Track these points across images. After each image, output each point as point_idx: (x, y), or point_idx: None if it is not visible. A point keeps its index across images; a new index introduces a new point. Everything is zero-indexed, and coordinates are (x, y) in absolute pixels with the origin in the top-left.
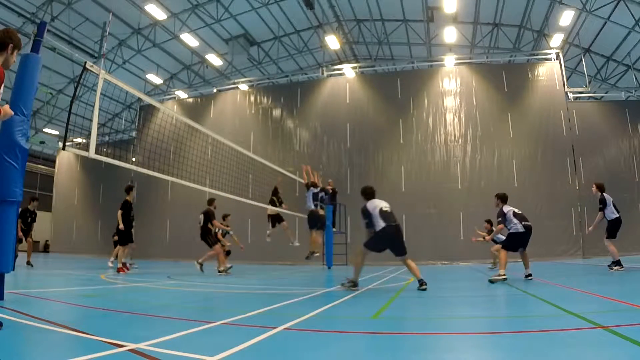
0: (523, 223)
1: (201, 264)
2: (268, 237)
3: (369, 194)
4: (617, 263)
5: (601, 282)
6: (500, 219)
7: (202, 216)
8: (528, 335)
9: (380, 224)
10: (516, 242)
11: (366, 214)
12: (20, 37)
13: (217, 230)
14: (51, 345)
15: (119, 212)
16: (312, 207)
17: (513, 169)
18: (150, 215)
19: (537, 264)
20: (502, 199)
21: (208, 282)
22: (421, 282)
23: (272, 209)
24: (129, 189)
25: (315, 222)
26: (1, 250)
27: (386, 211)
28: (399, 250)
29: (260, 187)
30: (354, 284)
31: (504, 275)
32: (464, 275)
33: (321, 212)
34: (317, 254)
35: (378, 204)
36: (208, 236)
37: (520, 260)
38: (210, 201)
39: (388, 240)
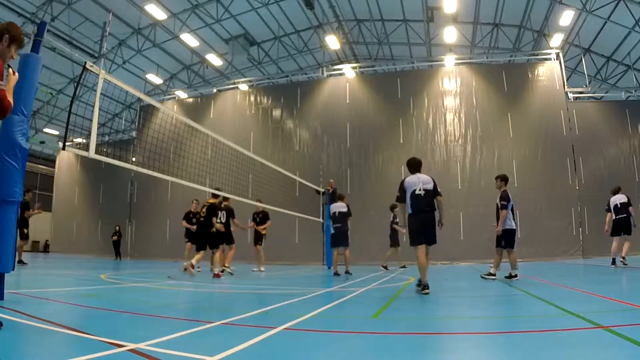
0: (515, 220)
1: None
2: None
3: (410, 165)
4: (613, 262)
5: (601, 282)
6: (504, 202)
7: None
8: (528, 335)
9: (408, 209)
10: (513, 240)
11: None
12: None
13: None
14: (51, 345)
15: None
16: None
17: (513, 169)
18: (150, 215)
19: (537, 264)
20: (506, 180)
21: (208, 282)
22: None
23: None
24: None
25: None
26: (1, 250)
27: (419, 195)
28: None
29: (260, 187)
30: (421, 286)
31: (495, 275)
32: (464, 275)
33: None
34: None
35: (413, 185)
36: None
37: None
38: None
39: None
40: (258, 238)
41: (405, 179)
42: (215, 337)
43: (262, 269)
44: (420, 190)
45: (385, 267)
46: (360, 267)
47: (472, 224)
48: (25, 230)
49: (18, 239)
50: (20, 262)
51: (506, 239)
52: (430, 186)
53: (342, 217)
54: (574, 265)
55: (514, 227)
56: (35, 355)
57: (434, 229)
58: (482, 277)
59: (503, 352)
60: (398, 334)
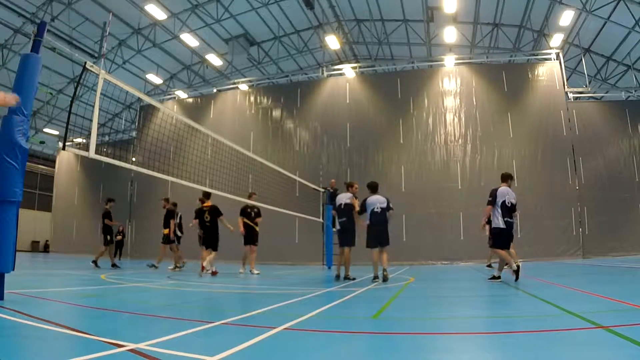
0: (505, 219)
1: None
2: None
3: (370, 187)
4: None
5: (601, 282)
6: (489, 198)
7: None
8: (528, 335)
9: (367, 221)
10: (500, 239)
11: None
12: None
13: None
14: (51, 345)
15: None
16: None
17: (513, 169)
18: (150, 215)
19: (537, 264)
20: (502, 177)
21: (208, 282)
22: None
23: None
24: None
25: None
26: (1, 250)
27: (377, 212)
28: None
29: (260, 187)
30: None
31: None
32: (464, 275)
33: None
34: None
35: (372, 204)
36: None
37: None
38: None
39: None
40: (254, 236)
41: (367, 198)
42: (215, 337)
43: (256, 271)
44: (377, 208)
45: (490, 266)
46: (361, 267)
47: (472, 224)
48: (109, 237)
49: (103, 245)
50: (114, 265)
51: (493, 238)
52: (384, 205)
53: (348, 211)
54: (574, 265)
55: (502, 226)
56: (35, 355)
57: (387, 235)
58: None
59: (503, 352)
60: (398, 334)
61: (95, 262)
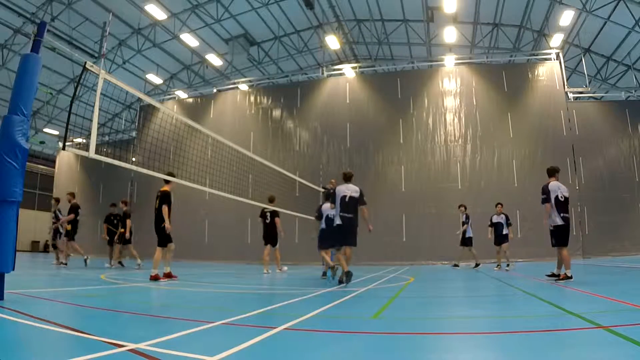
0: (561, 215)
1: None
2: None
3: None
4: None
5: (601, 282)
6: (543, 196)
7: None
8: (528, 335)
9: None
10: (559, 236)
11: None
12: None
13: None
14: (51, 345)
15: (164, 207)
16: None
17: (513, 169)
18: (150, 215)
19: (537, 264)
20: (549, 172)
21: (208, 282)
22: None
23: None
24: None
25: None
26: (1, 250)
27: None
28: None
29: (260, 187)
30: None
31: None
32: (464, 275)
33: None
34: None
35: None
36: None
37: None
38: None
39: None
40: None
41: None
42: (215, 337)
43: (266, 271)
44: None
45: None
46: (360, 267)
47: (472, 223)
48: (128, 236)
49: (121, 244)
50: (120, 263)
51: (553, 236)
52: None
53: (354, 205)
54: (574, 265)
55: (559, 223)
56: (35, 355)
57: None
58: (556, 280)
59: (503, 352)
60: (398, 334)
61: (120, 262)
